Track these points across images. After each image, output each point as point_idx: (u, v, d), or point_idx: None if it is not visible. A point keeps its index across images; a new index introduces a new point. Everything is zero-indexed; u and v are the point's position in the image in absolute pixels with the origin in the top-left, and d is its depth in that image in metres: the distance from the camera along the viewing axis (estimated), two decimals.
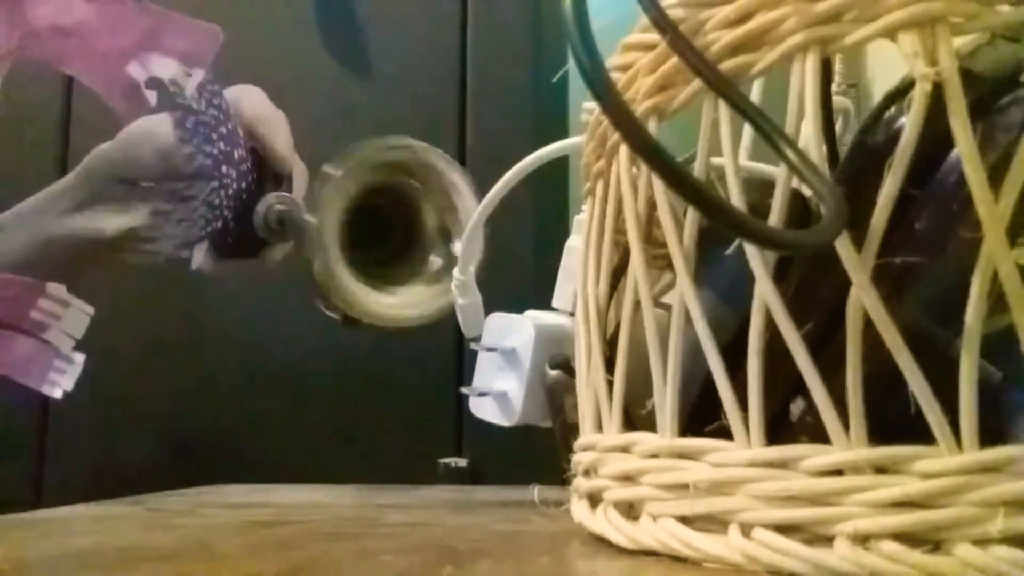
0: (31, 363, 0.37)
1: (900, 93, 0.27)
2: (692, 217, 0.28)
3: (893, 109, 0.28)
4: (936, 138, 0.23)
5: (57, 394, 0.39)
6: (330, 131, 1.05)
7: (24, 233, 0.58)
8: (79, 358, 0.39)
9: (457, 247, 0.55)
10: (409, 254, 0.59)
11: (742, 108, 0.25)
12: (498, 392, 0.46)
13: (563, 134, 0.90)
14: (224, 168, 0.51)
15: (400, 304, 0.57)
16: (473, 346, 0.48)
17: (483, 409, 0.47)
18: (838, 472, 0.23)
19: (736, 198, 0.26)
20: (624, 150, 0.31)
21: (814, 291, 0.27)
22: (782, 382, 0.27)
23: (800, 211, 0.29)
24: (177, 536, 0.35)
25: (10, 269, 0.57)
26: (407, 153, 0.56)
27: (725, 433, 0.26)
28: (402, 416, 1.00)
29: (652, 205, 0.29)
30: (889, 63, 0.29)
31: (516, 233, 0.90)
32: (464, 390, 0.48)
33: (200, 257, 0.48)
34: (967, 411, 0.22)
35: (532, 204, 0.94)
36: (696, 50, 0.26)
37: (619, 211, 0.32)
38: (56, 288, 0.37)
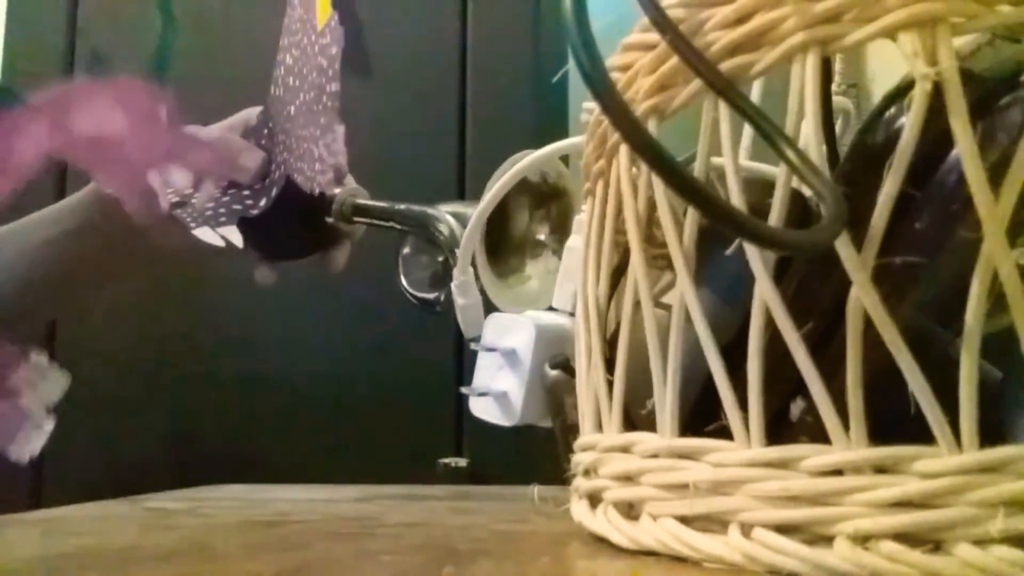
0: (1, 426, 0.39)
1: (900, 93, 0.27)
2: (692, 217, 0.28)
3: (893, 109, 0.28)
4: (936, 138, 0.23)
5: (24, 458, 0.40)
6: None
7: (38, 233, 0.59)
8: (49, 424, 0.40)
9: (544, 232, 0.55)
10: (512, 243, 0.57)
11: (742, 108, 0.25)
12: (498, 392, 0.46)
13: (563, 134, 0.90)
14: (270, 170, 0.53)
15: (533, 288, 0.55)
16: (473, 346, 0.48)
17: (483, 409, 0.47)
18: (838, 472, 0.23)
19: (736, 198, 0.26)
20: (624, 150, 0.31)
21: (814, 291, 0.27)
22: (782, 382, 0.27)
23: (800, 211, 0.29)
24: (177, 536, 0.35)
25: (22, 274, 0.58)
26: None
27: (725, 433, 0.26)
28: (402, 416, 1.00)
29: (652, 205, 0.29)
30: (889, 63, 0.29)
31: None
32: (464, 390, 0.48)
33: (235, 238, 0.49)
34: (967, 411, 0.22)
35: None
36: (696, 50, 0.26)
37: (619, 211, 0.32)
38: (39, 357, 0.39)
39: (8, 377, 0.37)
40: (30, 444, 0.39)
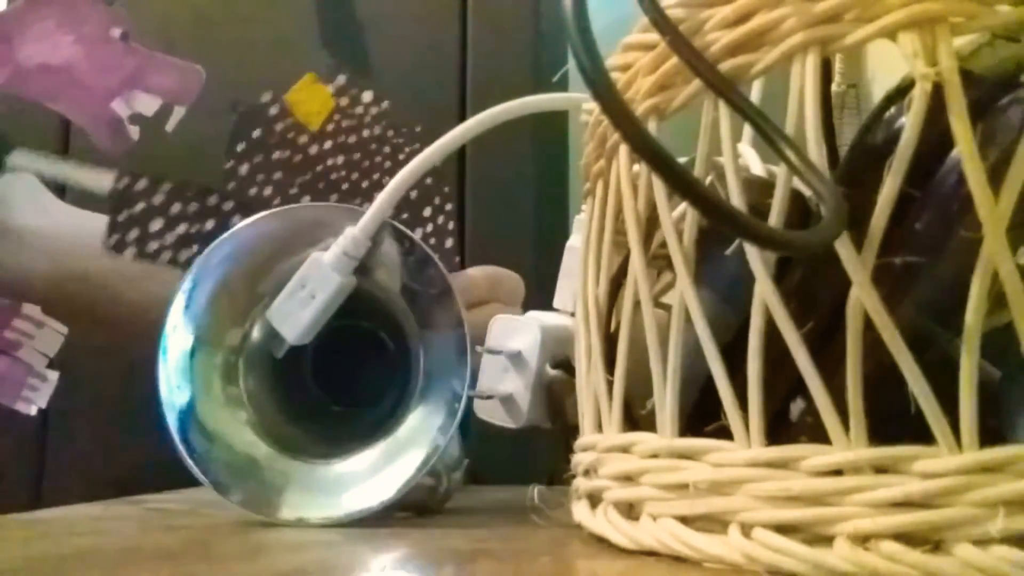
0: (4, 381, 0.38)
1: (900, 93, 0.27)
2: (692, 217, 0.28)
3: (893, 109, 0.28)
4: (936, 138, 0.23)
5: (32, 411, 0.39)
6: None
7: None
8: (53, 376, 0.39)
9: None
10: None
11: (742, 108, 0.25)
12: (503, 395, 0.45)
13: (563, 134, 0.90)
14: None
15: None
16: (478, 349, 0.48)
17: (489, 412, 0.47)
18: (838, 472, 0.23)
19: (736, 198, 0.26)
20: (624, 150, 0.31)
21: (814, 291, 0.27)
22: (782, 382, 0.27)
23: (800, 211, 0.29)
24: (177, 536, 0.35)
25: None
26: None
27: (725, 433, 0.26)
28: None
29: (652, 205, 0.29)
30: (889, 63, 0.29)
31: (516, 233, 0.90)
32: (469, 393, 0.48)
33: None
34: (967, 411, 0.22)
35: (532, 204, 0.94)
36: (696, 50, 0.26)
37: (619, 211, 0.32)
38: (31, 308, 0.38)
39: (2, 330, 0.37)
40: (35, 397, 0.39)
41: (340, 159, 0.49)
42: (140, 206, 0.45)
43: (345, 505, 0.39)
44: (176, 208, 0.46)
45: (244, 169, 0.47)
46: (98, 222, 0.65)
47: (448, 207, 0.52)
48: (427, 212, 0.52)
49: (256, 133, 0.47)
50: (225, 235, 0.42)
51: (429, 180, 0.51)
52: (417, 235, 0.49)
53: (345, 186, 0.45)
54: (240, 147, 0.47)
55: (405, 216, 0.51)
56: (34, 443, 1.02)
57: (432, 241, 0.52)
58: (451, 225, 0.52)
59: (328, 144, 0.49)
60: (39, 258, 0.63)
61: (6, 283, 0.60)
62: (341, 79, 0.49)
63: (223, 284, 0.42)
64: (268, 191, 0.47)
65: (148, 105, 0.42)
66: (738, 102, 0.25)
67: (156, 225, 0.45)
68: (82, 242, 0.62)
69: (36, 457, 1.02)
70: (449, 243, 0.52)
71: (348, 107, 0.49)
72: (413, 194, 0.51)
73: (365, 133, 0.50)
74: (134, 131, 0.42)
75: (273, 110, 0.48)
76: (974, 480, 0.21)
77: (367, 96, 0.50)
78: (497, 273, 0.52)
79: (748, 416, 0.25)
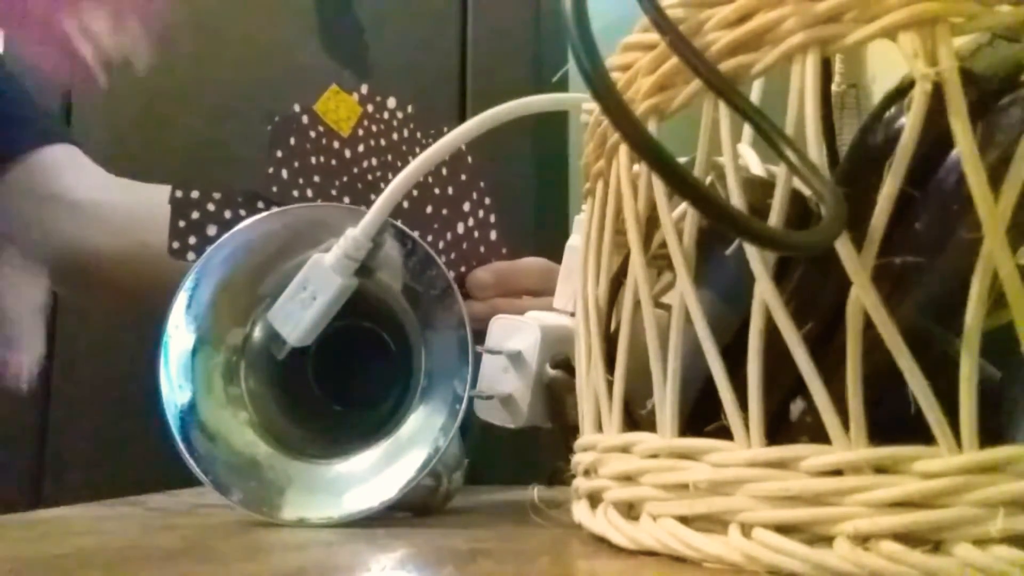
0: None
1: (900, 93, 0.27)
2: (692, 217, 0.28)
3: (893, 109, 0.28)
4: (936, 138, 0.23)
5: (21, 382, 0.38)
6: None
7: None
8: (39, 330, 0.39)
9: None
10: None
11: (742, 108, 0.25)
12: (503, 395, 0.45)
13: (563, 134, 0.90)
14: None
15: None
16: (478, 349, 0.48)
17: (489, 412, 0.47)
18: (838, 472, 0.23)
19: (736, 198, 0.26)
20: (624, 150, 0.31)
21: (814, 291, 0.27)
22: (782, 382, 0.27)
23: (800, 211, 0.29)
24: (177, 536, 0.35)
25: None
26: None
27: (725, 433, 0.26)
28: None
29: (652, 205, 0.29)
30: (889, 63, 0.29)
31: (516, 234, 0.90)
32: (470, 393, 0.48)
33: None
34: (967, 411, 0.22)
35: (532, 205, 0.94)
36: (696, 50, 0.26)
37: (619, 211, 0.32)
38: (8, 252, 0.37)
39: None
40: (25, 361, 0.38)
41: (374, 161, 0.51)
42: (195, 214, 0.47)
43: (346, 505, 0.39)
44: (228, 214, 0.48)
45: (285, 174, 0.49)
46: (149, 192, 0.65)
47: (487, 201, 0.53)
48: (466, 207, 0.53)
49: (292, 140, 0.50)
50: (226, 235, 0.43)
51: (464, 177, 0.53)
52: (460, 229, 0.52)
53: (382, 186, 0.47)
54: (279, 153, 0.49)
55: (446, 212, 0.52)
56: (34, 443, 1.02)
57: (476, 234, 0.53)
58: (492, 218, 0.53)
59: (361, 147, 0.51)
60: (101, 233, 0.62)
61: (71, 260, 0.60)
62: (364, 88, 0.51)
63: (224, 284, 0.43)
64: (310, 193, 0.49)
65: (100, 22, 0.40)
66: (738, 102, 0.25)
67: (212, 230, 0.47)
68: (139, 214, 0.62)
69: (36, 457, 1.02)
70: (493, 235, 0.53)
71: (375, 112, 0.51)
72: (451, 190, 0.52)
73: (394, 136, 0.51)
74: (86, 49, 0.40)
75: (304, 119, 0.50)
76: (974, 480, 0.21)
77: (391, 102, 0.52)
78: (551, 268, 0.53)
79: (748, 416, 0.25)
